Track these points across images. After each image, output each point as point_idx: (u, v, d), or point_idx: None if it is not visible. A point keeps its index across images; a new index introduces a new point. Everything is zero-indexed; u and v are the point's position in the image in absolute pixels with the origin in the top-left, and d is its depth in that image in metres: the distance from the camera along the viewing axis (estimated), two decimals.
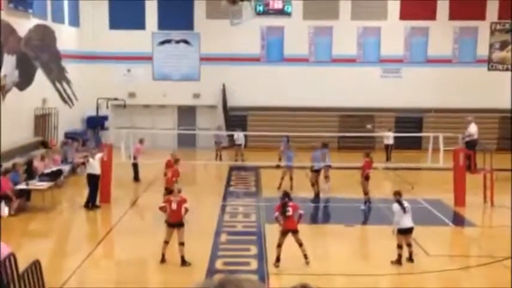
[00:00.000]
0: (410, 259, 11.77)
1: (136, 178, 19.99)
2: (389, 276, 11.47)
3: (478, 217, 16.29)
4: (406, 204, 11.76)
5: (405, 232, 11.67)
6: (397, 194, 11.95)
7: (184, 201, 11.84)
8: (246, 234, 14.18)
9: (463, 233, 15.00)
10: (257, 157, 22.83)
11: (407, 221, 11.64)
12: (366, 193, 16.45)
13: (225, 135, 26.15)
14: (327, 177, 18.63)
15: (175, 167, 16.25)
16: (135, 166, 19.80)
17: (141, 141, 19.87)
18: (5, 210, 15.16)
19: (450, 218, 16.06)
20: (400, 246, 11.67)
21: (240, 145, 24.10)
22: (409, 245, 11.79)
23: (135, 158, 19.51)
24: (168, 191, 14.32)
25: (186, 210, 11.73)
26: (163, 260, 11.60)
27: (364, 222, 15.71)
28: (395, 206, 11.72)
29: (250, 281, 1.66)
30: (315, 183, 17.82)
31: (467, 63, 28.26)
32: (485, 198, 17.16)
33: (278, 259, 11.50)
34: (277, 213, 11.56)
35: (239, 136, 24.04)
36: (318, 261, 11.83)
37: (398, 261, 11.66)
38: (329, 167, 18.51)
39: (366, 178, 16.41)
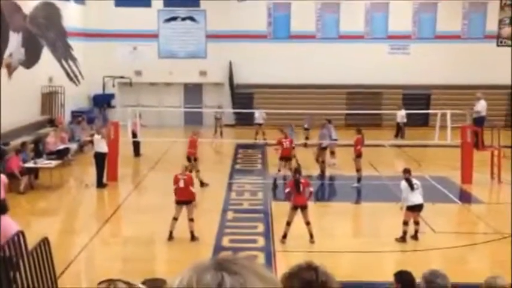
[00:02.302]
0: (415, 237, 11.79)
1: (138, 153, 20.23)
2: (394, 253, 11.50)
3: (485, 194, 16.26)
4: (415, 181, 11.74)
5: (414, 209, 11.66)
6: (406, 172, 11.95)
7: (190, 179, 11.84)
8: (252, 212, 14.23)
9: (470, 210, 14.98)
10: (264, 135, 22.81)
11: (415, 198, 11.62)
12: (357, 170, 16.19)
13: (227, 113, 26.06)
14: (332, 153, 18.62)
15: (195, 137, 16.80)
16: (137, 142, 19.96)
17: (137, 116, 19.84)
18: None
19: (457, 195, 16.05)
20: (406, 223, 11.68)
21: (260, 124, 23.86)
22: (416, 223, 11.79)
23: (137, 135, 19.46)
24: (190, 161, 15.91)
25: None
26: (170, 237, 11.68)
27: (369, 200, 15.70)
28: (403, 184, 11.71)
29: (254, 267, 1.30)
30: (319, 160, 17.78)
31: (476, 39, 27.93)
32: (492, 175, 17.11)
33: (285, 236, 11.55)
34: (288, 189, 11.55)
35: (260, 115, 23.85)
36: (323, 238, 11.86)
37: (402, 238, 11.68)
38: (335, 140, 18.48)
39: (358, 155, 16.25)
